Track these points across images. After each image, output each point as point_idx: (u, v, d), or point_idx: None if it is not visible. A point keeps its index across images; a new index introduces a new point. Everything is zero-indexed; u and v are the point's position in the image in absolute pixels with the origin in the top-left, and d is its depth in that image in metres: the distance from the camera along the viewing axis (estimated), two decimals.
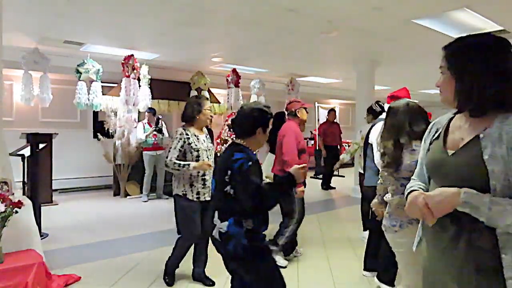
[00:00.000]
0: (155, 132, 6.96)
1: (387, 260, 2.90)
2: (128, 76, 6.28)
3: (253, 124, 2.16)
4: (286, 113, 4.22)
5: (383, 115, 3.08)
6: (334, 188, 8.40)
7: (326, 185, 8.43)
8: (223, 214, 2.07)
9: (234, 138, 2.23)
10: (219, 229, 2.06)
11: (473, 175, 1.24)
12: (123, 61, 6.31)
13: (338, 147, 8.70)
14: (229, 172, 2.03)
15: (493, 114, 1.26)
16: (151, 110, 7.01)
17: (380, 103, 4.84)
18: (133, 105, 6.36)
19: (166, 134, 7.18)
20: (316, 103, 10.73)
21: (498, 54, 1.26)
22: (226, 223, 2.04)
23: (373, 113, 4.68)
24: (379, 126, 3.04)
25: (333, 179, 8.64)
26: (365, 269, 3.57)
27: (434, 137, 1.43)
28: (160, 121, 7.09)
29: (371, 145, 3.59)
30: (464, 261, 1.26)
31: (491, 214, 1.16)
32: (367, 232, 4.06)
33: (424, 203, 1.28)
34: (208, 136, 3.41)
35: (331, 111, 8.96)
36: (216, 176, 2.18)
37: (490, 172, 1.19)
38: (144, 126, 6.98)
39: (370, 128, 3.88)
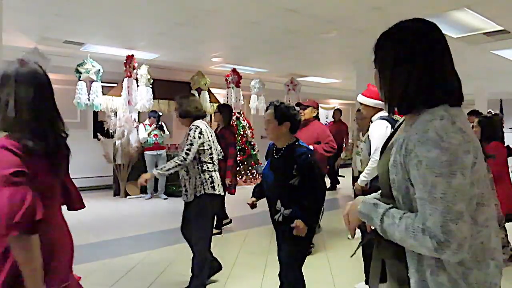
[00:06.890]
0: (155, 132, 6.98)
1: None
2: (130, 76, 6.28)
3: None
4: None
5: (383, 113, 2.95)
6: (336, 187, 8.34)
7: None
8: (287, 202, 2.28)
9: None
10: (283, 214, 2.28)
11: (383, 184, 1.14)
12: (125, 61, 6.31)
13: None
14: (295, 166, 2.19)
15: (417, 112, 1.08)
16: (155, 115, 7.03)
17: None
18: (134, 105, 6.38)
19: (166, 132, 7.23)
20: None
21: (420, 42, 1.08)
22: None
23: None
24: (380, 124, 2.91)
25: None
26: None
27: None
28: (160, 118, 7.14)
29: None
30: (388, 272, 1.24)
31: (383, 226, 1.04)
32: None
33: (345, 213, 1.20)
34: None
35: (336, 110, 8.75)
36: (277, 170, 2.30)
37: (392, 181, 1.07)
38: (145, 127, 7.01)
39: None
